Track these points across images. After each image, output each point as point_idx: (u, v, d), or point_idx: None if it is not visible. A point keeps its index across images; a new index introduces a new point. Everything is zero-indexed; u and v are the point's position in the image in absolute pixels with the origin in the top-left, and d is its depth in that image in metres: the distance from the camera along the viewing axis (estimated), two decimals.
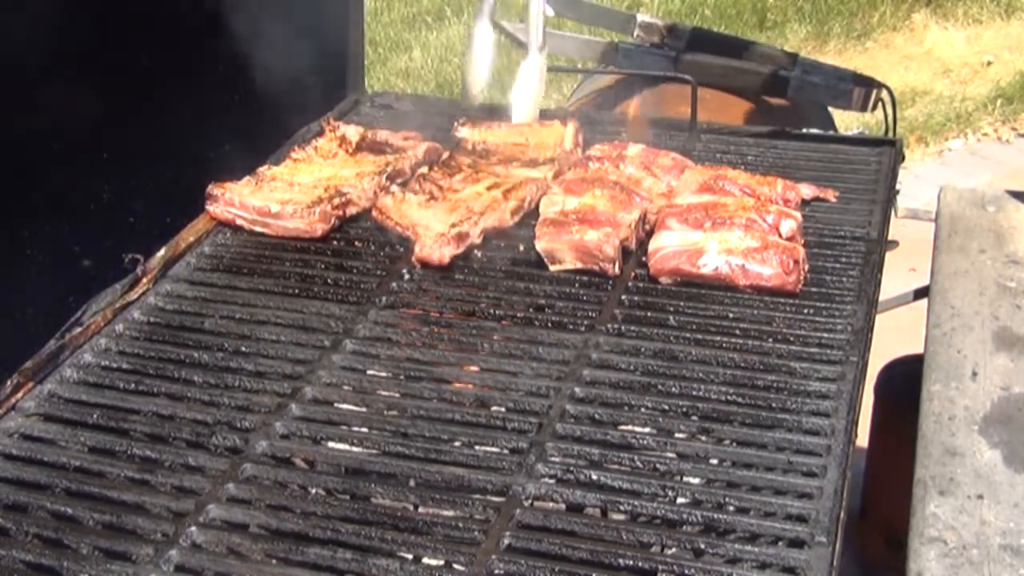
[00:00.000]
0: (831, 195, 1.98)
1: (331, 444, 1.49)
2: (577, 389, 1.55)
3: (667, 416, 1.50)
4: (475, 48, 2.20)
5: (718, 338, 1.64)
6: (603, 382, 1.57)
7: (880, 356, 2.31)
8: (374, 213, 1.94)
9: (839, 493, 1.35)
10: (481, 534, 1.31)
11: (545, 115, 2.31)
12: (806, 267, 1.76)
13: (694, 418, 1.49)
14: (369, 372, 1.62)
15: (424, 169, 2.04)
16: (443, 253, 1.81)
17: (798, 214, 1.85)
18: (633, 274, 1.81)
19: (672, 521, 1.34)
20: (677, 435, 1.48)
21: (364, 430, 1.50)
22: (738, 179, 1.92)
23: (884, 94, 2.69)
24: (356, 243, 1.93)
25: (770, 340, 1.63)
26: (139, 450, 1.46)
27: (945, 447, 1.58)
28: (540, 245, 1.80)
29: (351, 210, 1.97)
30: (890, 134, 2.61)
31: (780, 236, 1.78)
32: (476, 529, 1.32)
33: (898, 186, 2.12)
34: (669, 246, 1.77)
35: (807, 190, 1.96)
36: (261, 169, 2.06)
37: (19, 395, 1.56)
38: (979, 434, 1.60)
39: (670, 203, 1.88)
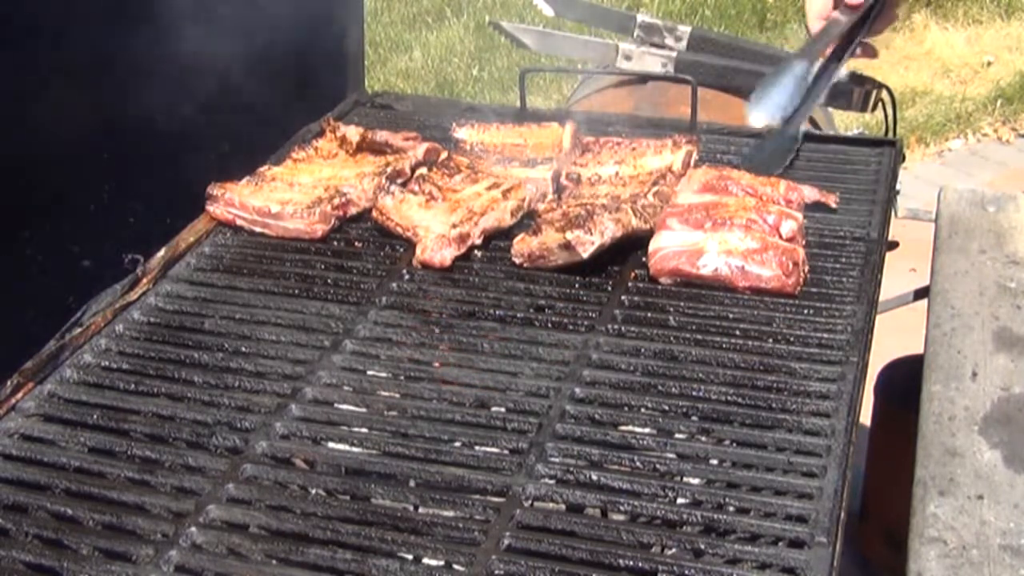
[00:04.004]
0: (832, 200, 1.97)
1: (331, 444, 1.49)
2: (577, 389, 1.55)
3: (667, 416, 1.50)
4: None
5: (718, 338, 1.64)
6: (603, 382, 1.57)
7: (880, 356, 2.31)
8: (374, 214, 1.94)
9: (839, 493, 1.35)
10: (481, 534, 1.31)
11: (543, 115, 2.31)
12: (806, 268, 1.76)
13: (694, 418, 1.49)
14: (369, 372, 1.62)
15: (424, 170, 2.04)
16: (444, 255, 1.81)
17: (799, 215, 1.84)
18: (633, 274, 1.81)
19: (672, 522, 1.34)
20: (677, 435, 1.48)
21: (364, 430, 1.50)
22: (741, 179, 1.91)
23: (884, 94, 2.69)
24: (356, 243, 1.93)
25: (770, 340, 1.63)
26: (139, 450, 1.46)
27: (945, 447, 1.58)
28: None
29: (351, 210, 1.97)
30: (890, 134, 2.61)
31: (780, 237, 1.78)
32: (476, 529, 1.32)
33: (898, 186, 2.12)
34: (669, 246, 1.77)
35: (810, 192, 1.95)
36: (261, 169, 2.06)
37: (19, 395, 1.56)
38: (979, 434, 1.60)
39: (672, 203, 1.88)
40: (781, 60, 2.20)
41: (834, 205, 1.96)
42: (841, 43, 2.12)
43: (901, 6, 2.16)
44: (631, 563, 1.27)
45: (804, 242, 1.82)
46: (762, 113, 2.04)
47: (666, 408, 1.51)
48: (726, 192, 1.88)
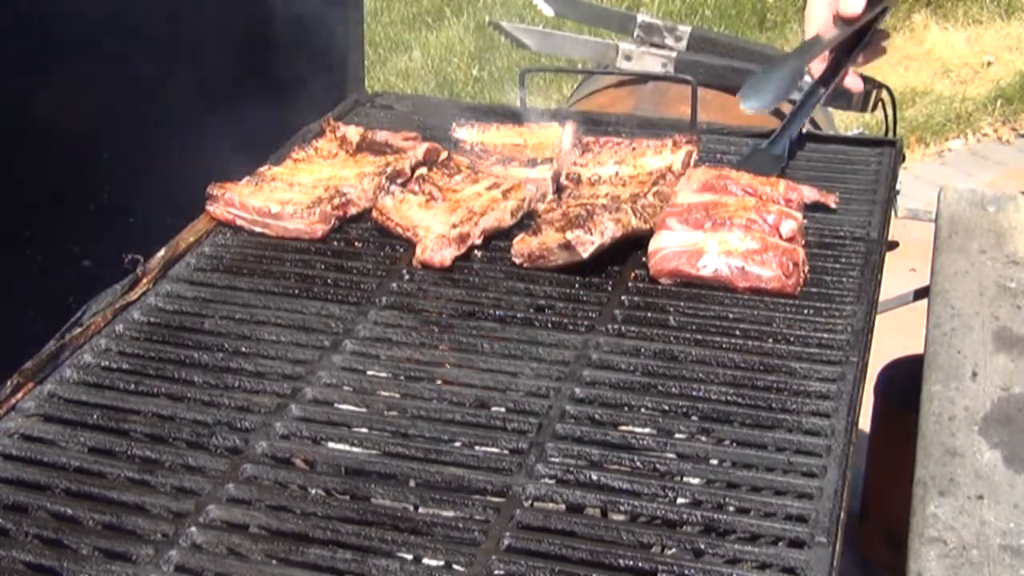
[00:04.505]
0: (832, 200, 1.97)
1: (331, 444, 1.49)
2: (577, 390, 1.55)
3: (667, 416, 1.50)
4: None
5: (718, 338, 1.64)
6: (603, 382, 1.57)
7: (880, 356, 2.31)
8: (374, 214, 1.94)
9: (839, 493, 1.35)
10: (481, 534, 1.31)
11: (543, 115, 2.31)
12: (806, 268, 1.76)
13: (694, 418, 1.49)
14: (369, 372, 1.62)
15: (423, 170, 2.04)
16: (444, 255, 1.81)
17: (799, 215, 1.84)
18: (633, 274, 1.81)
19: (672, 521, 1.34)
20: (677, 435, 1.48)
21: (364, 430, 1.50)
22: (740, 179, 1.91)
23: (884, 94, 2.69)
24: (356, 243, 1.93)
25: (770, 340, 1.63)
26: (139, 450, 1.46)
27: (945, 447, 1.58)
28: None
29: (351, 210, 1.97)
30: (890, 134, 2.61)
31: (780, 237, 1.78)
32: (476, 529, 1.32)
33: (898, 186, 2.12)
34: (669, 247, 1.77)
35: (809, 192, 1.95)
36: (261, 169, 2.06)
37: (19, 395, 1.56)
38: (979, 434, 1.60)
39: (671, 203, 1.88)
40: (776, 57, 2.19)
41: (833, 205, 1.96)
42: (829, 70, 2.12)
43: (887, 40, 2.16)
44: (631, 563, 1.27)
45: (804, 242, 1.82)
46: (755, 101, 2.04)
47: (666, 408, 1.51)
48: (725, 192, 1.88)
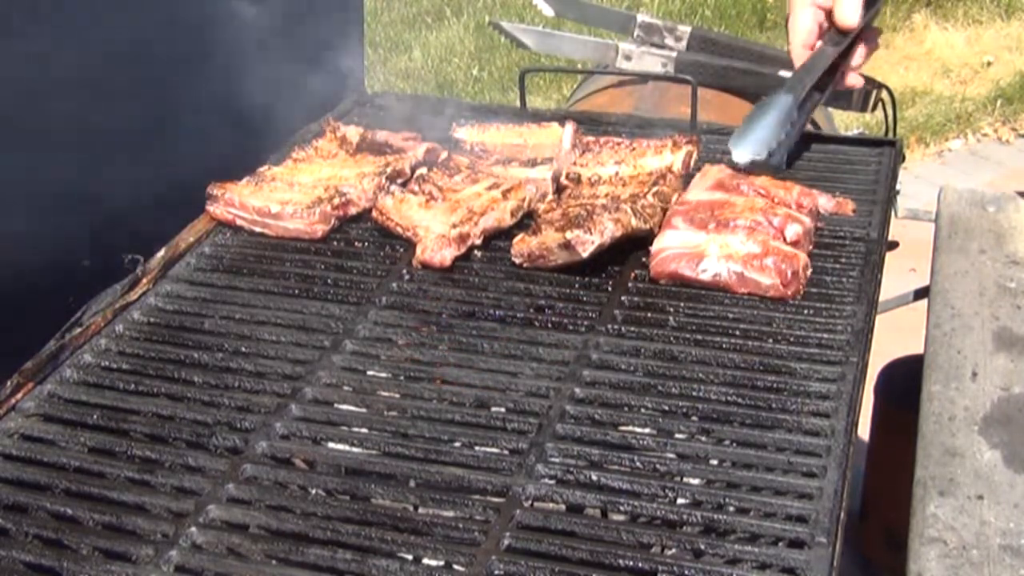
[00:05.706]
0: (849, 209, 1.95)
1: (331, 445, 1.49)
2: (577, 390, 1.55)
3: (667, 417, 1.50)
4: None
5: (718, 339, 1.64)
6: (603, 383, 1.57)
7: (880, 356, 2.31)
8: (374, 214, 1.94)
9: (839, 494, 1.35)
10: (481, 535, 1.31)
11: (543, 115, 2.31)
12: (808, 272, 1.75)
13: (694, 419, 1.49)
14: (369, 372, 1.62)
15: (423, 170, 2.04)
16: (444, 255, 1.81)
17: (807, 219, 1.83)
18: (633, 275, 1.81)
19: (672, 522, 1.34)
20: (677, 436, 1.48)
21: (364, 431, 1.50)
22: (755, 180, 1.90)
23: (884, 94, 2.69)
24: (356, 243, 1.93)
25: (770, 341, 1.63)
26: (139, 450, 1.46)
27: (945, 447, 1.58)
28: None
29: (351, 210, 1.97)
30: (890, 134, 2.61)
31: (784, 240, 1.77)
32: (476, 530, 1.32)
33: (898, 186, 2.12)
34: (671, 247, 1.76)
35: (825, 202, 1.92)
36: (261, 169, 2.06)
37: (19, 395, 1.56)
38: (979, 435, 1.60)
39: (681, 199, 1.87)
40: (769, 90, 2.13)
41: (852, 214, 1.94)
42: (825, 75, 2.10)
43: (881, 35, 2.14)
44: (631, 563, 1.27)
45: (811, 248, 1.80)
46: (746, 149, 2.02)
47: (666, 408, 1.51)
48: (737, 191, 1.87)
